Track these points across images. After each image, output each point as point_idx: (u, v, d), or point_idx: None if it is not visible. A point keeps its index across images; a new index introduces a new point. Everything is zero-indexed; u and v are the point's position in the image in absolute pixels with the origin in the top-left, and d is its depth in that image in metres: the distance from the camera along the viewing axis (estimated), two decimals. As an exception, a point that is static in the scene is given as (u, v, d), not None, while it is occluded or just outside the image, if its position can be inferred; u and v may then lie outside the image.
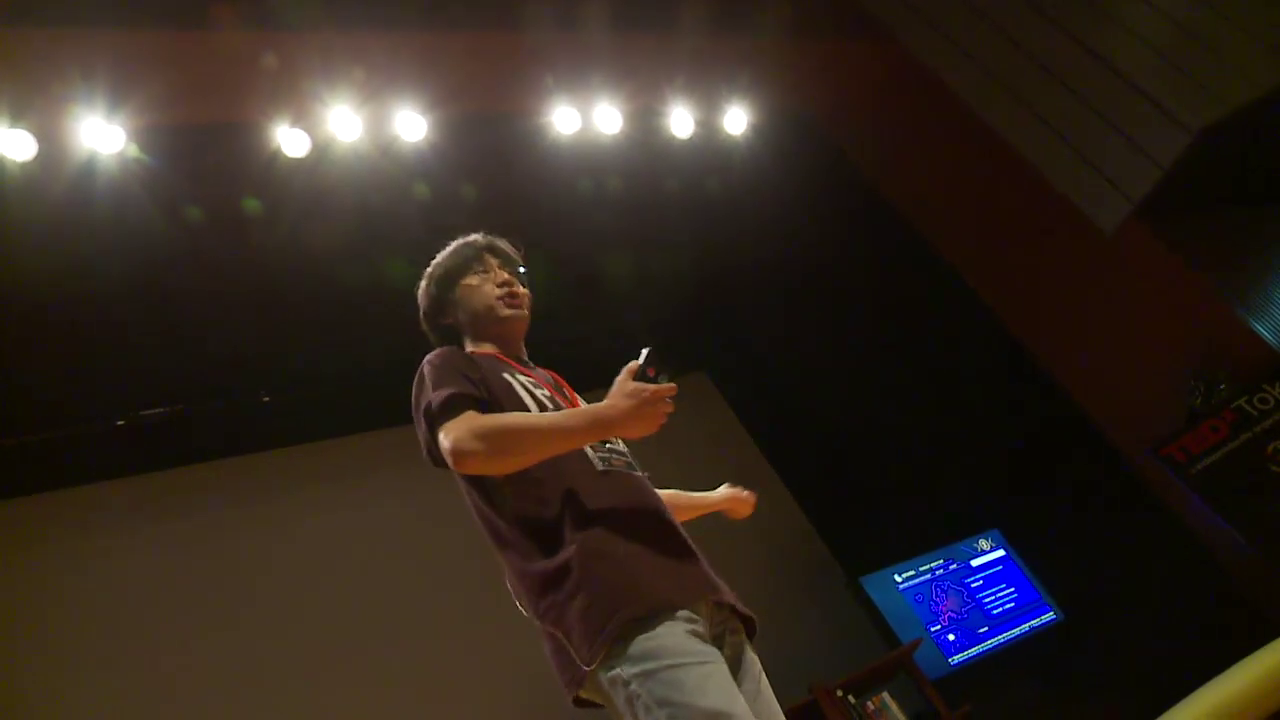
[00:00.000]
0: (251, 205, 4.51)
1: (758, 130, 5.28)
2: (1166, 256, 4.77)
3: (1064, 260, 5.24)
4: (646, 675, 1.85)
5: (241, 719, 4.58)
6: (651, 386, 2.05)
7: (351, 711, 4.75)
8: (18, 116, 3.67)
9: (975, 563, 5.87)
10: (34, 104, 3.70)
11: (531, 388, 2.29)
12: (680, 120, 5.06)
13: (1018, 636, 5.58)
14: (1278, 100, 4.25)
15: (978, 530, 6.02)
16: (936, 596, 5.62)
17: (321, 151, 4.32)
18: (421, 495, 5.44)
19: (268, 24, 4.04)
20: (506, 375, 2.28)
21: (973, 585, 5.75)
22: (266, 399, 5.47)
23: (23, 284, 4.24)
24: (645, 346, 2.06)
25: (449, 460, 2.02)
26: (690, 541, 2.17)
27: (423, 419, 2.14)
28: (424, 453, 2.22)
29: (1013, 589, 5.80)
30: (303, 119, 4.23)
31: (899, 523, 6.23)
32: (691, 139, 5.15)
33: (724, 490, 2.78)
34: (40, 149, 3.77)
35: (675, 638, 1.88)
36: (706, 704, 1.79)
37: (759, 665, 2.10)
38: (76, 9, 3.64)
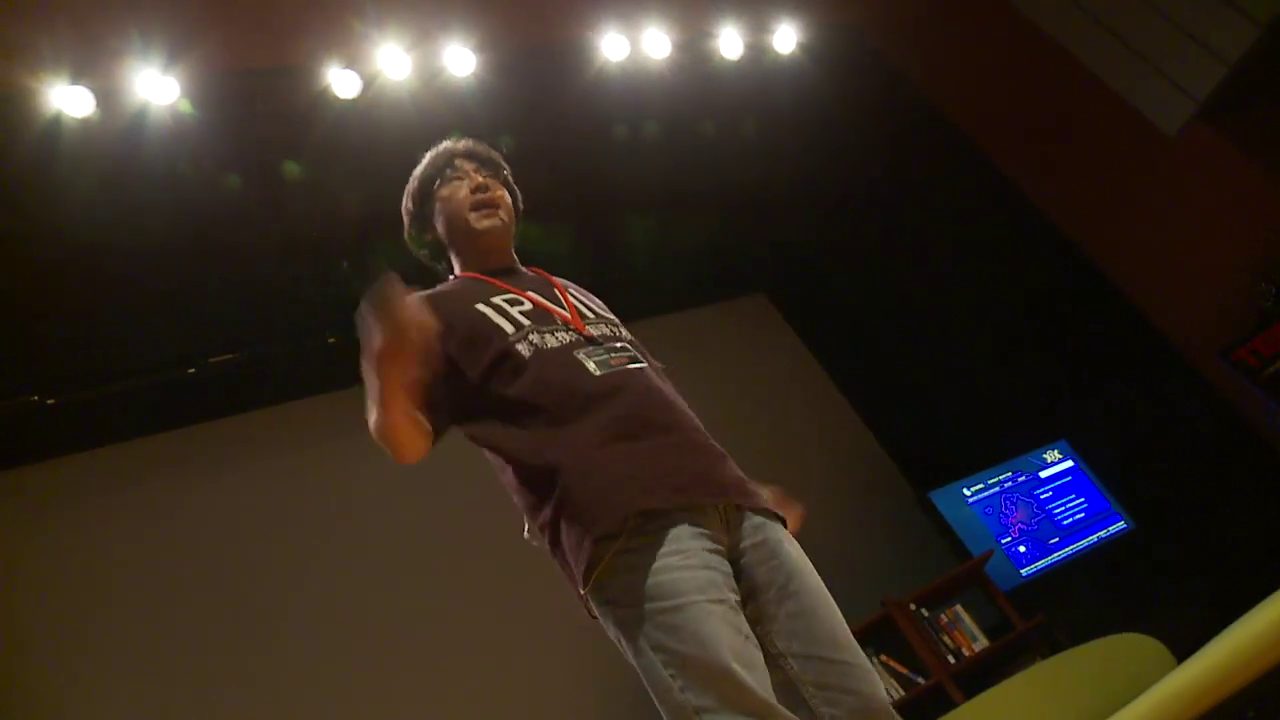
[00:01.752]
0: (307, 146, 4.53)
1: (806, 49, 5.20)
2: (1233, 156, 4.66)
3: (1126, 166, 5.14)
4: (640, 616, 1.78)
5: (329, 655, 4.70)
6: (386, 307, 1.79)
7: (434, 646, 4.86)
8: (77, 73, 3.72)
9: (1044, 474, 5.83)
10: (91, 59, 3.73)
11: (507, 305, 2.16)
12: (729, 41, 5.00)
13: (1089, 546, 5.56)
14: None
15: (1045, 441, 5.97)
16: (1006, 509, 5.61)
17: (373, 89, 4.32)
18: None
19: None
20: (480, 305, 2.16)
21: (1042, 496, 5.73)
22: (332, 340, 5.54)
23: (89, 240, 4.30)
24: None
25: None
26: (700, 435, 2.07)
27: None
28: None
29: (1082, 499, 5.77)
30: (354, 59, 4.23)
31: (966, 437, 6.21)
32: (741, 60, 5.09)
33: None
34: (98, 103, 3.81)
35: (675, 570, 1.79)
36: (704, 654, 1.71)
37: (800, 556, 2.00)
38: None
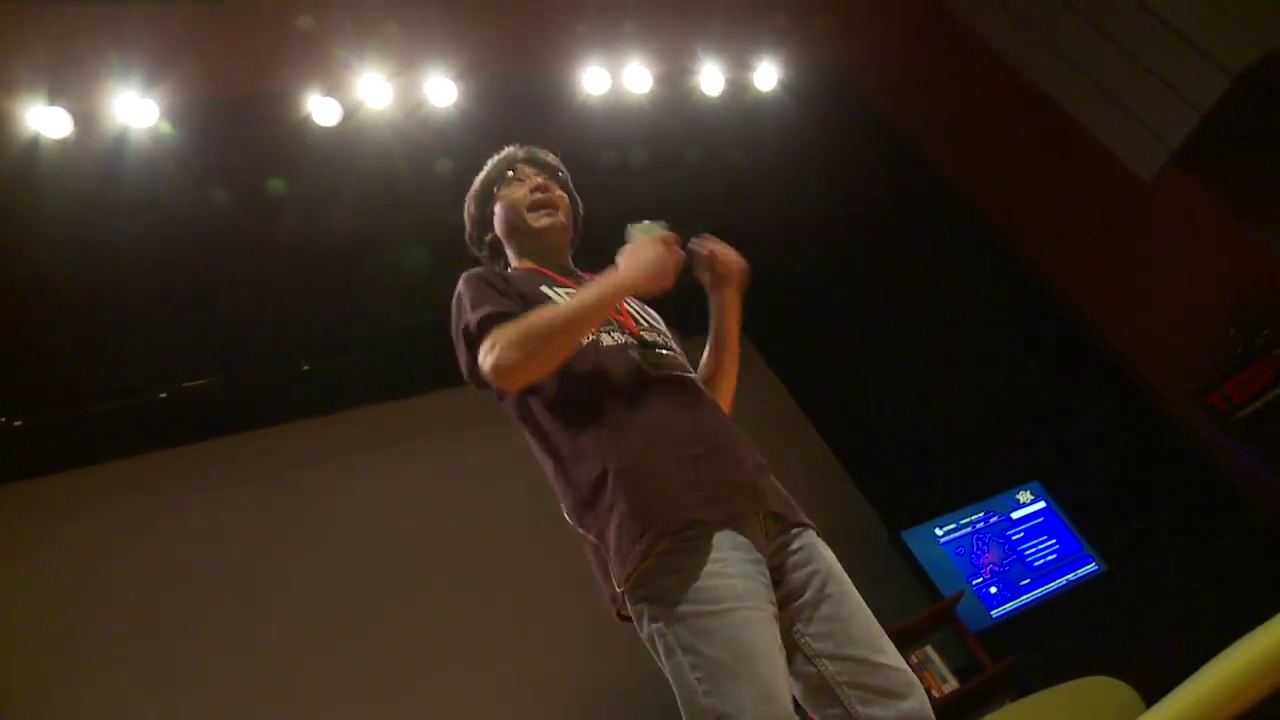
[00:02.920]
0: (285, 174, 4.52)
1: (787, 87, 5.23)
2: (1207, 202, 4.71)
3: (1103, 209, 5.18)
4: (675, 617, 1.80)
5: (290, 684, 4.65)
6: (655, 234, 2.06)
7: (400, 675, 4.81)
8: (55, 94, 3.70)
9: (1016, 515, 5.84)
10: (69, 81, 3.73)
11: (568, 297, 2.17)
12: (710, 78, 5.02)
13: (1060, 588, 5.56)
14: (1320, 40, 4.17)
15: (1018, 482, 5.99)
16: (978, 549, 5.61)
17: (353, 118, 4.32)
18: (462, 458, 5.51)
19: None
20: (545, 288, 2.21)
21: (1014, 537, 5.73)
22: (306, 367, 5.51)
23: (62, 261, 4.28)
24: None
25: (496, 381, 1.98)
26: (745, 447, 2.12)
27: (462, 340, 2.10)
28: (465, 375, 2.15)
29: (1054, 540, 5.78)
30: (334, 87, 4.24)
31: (939, 476, 6.22)
32: (722, 96, 5.11)
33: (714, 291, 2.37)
34: (76, 125, 3.80)
35: (716, 577, 1.81)
36: (730, 660, 1.74)
37: (837, 563, 2.04)
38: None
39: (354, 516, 5.22)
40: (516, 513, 5.04)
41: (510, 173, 2.45)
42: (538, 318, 1.97)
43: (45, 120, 3.73)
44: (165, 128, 3.97)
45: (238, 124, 4.23)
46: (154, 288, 4.63)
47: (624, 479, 1.92)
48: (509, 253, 2.45)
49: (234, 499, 5.12)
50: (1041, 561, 5.66)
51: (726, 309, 2.37)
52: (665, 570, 1.84)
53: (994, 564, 5.57)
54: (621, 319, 2.26)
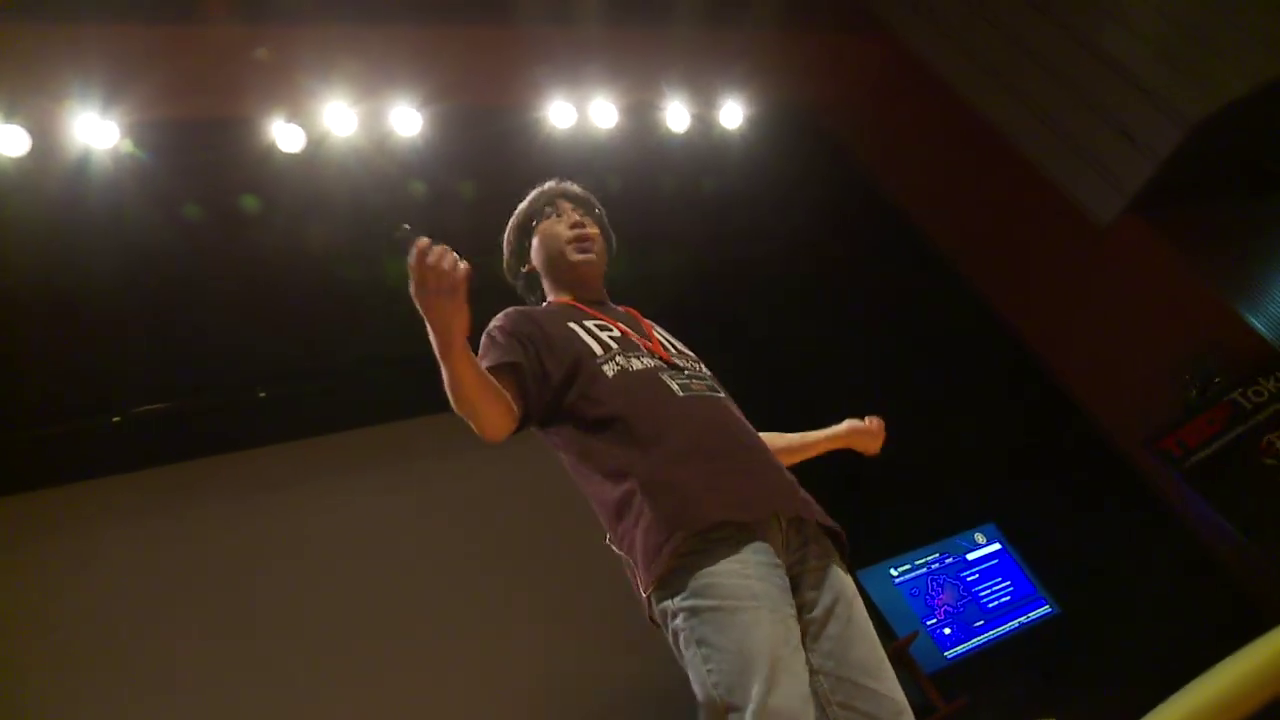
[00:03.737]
0: (247, 200, 4.49)
1: (754, 124, 5.26)
2: (1162, 249, 4.77)
3: (1060, 253, 5.23)
4: (693, 611, 1.86)
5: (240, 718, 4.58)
6: (410, 264, 1.84)
7: (349, 711, 4.76)
8: (12, 112, 3.67)
9: (971, 556, 5.86)
10: (29, 100, 3.69)
11: (596, 329, 2.29)
12: (676, 114, 5.05)
13: (1013, 630, 5.58)
14: (1273, 92, 4.25)
15: (974, 524, 6.01)
16: (932, 590, 5.62)
17: (317, 146, 4.31)
18: (414, 490, 5.47)
19: (262, 18, 4.03)
20: (571, 324, 2.28)
21: (968, 579, 5.75)
22: (262, 394, 5.46)
23: (18, 280, 4.23)
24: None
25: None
26: (771, 458, 2.19)
27: None
28: None
29: (1008, 583, 5.80)
30: (298, 114, 4.22)
31: (895, 517, 6.22)
32: (688, 133, 5.14)
33: (845, 425, 2.84)
34: (34, 145, 3.76)
35: (733, 576, 1.87)
36: (740, 654, 1.79)
37: (851, 587, 2.10)
38: (72, 4, 3.63)
39: (302, 548, 5.16)
40: (490, 536, 5.04)
41: (549, 207, 2.53)
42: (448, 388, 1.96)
43: (2, 139, 3.69)
44: (126, 149, 3.94)
45: (200, 148, 4.20)
46: (112, 310, 4.58)
47: (650, 491, 1.99)
48: (545, 284, 2.53)
49: (183, 526, 5.05)
50: (996, 603, 5.67)
51: (837, 443, 2.81)
52: (687, 569, 1.89)
53: (948, 605, 5.58)
54: (650, 345, 2.33)
